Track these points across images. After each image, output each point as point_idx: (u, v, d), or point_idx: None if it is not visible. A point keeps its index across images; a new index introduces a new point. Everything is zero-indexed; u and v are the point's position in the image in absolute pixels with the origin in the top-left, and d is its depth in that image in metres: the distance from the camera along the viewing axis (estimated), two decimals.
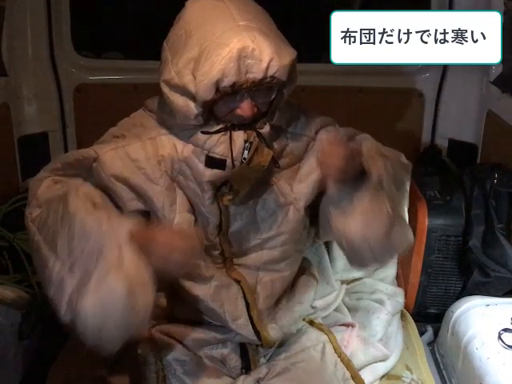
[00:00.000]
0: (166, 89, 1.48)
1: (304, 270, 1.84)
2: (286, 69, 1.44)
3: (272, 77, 1.43)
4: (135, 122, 1.64)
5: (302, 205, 1.65)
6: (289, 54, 1.46)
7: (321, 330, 1.83)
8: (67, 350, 1.96)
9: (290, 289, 1.78)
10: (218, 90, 1.41)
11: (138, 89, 2.66)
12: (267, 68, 1.41)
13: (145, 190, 1.55)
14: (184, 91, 1.44)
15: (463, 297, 2.16)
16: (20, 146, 2.59)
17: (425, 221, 2.17)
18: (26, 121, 2.60)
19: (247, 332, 1.65)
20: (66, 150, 2.72)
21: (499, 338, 1.86)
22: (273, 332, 1.67)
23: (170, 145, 1.57)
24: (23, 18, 2.48)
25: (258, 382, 1.66)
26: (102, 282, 1.29)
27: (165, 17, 3.47)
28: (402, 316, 2.15)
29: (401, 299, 2.14)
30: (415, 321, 2.21)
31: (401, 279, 2.26)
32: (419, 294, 2.22)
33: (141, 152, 1.56)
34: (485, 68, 2.47)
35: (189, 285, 1.63)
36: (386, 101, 2.67)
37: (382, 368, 1.85)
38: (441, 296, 2.25)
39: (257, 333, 1.65)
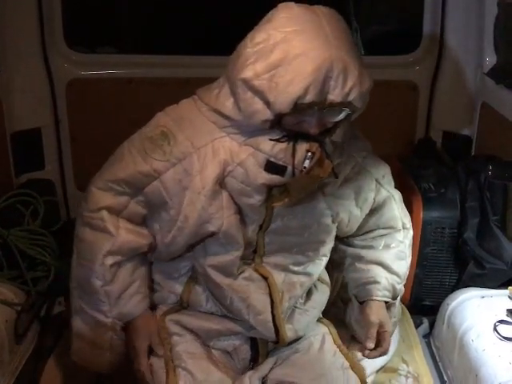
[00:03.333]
0: (241, 87, 1.45)
1: (319, 276, 1.86)
2: (364, 96, 1.46)
3: (349, 102, 1.43)
4: (184, 115, 1.61)
5: (336, 218, 1.71)
6: (368, 82, 1.46)
7: (321, 322, 1.85)
8: (62, 346, 1.95)
9: (306, 293, 1.80)
10: (295, 104, 1.41)
11: (132, 83, 2.65)
12: (348, 93, 1.41)
13: (195, 203, 1.57)
14: (261, 96, 1.43)
15: (458, 289, 2.17)
16: (13, 141, 2.57)
17: (420, 213, 2.17)
18: (19, 116, 2.58)
19: (267, 329, 1.66)
20: (60, 146, 2.71)
21: (495, 329, 1.87)
22: (289, 332, 1.70)
23: (224, 148, 1.55)
24: (15, 13, 2.46)
25: (263, 378, 1.68)
26: None
27: (158, 10, 3.46)
28: None
29: None
30: (411, 313, 2.22)
31: None
32: (415, 286, 2.23)
33: (196, 165, 1.56)
34: (479, 60, 2.47)
35: (215, 274, 1.64)
36: (380, 93, 2.64)
37: (378, 361, 1.85)
38: (436, 288, 2.26)
39: (275, 331, 1.66)
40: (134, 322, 1.67)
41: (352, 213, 1.74)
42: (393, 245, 1.84)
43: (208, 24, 3.19)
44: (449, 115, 2.67)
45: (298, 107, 1.41)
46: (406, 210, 1.89)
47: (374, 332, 1.72)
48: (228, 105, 1.51)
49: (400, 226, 1.84)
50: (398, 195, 1.85)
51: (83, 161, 2.72)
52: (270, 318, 1.65)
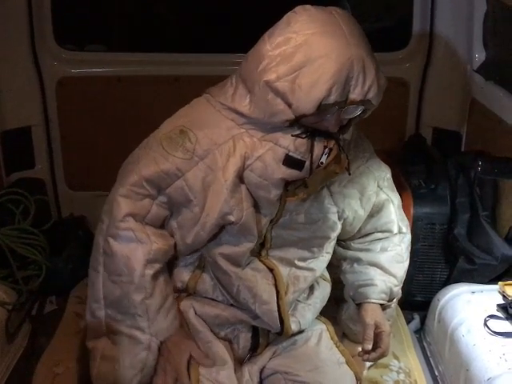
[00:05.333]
0: (264, 89, 1.47)
1: (321, 273, 1.87)
2: (380, 93, 1.49)
3: (368, 100, 1.47)
4: (200, 114, 1.62)
5: (342, 215, 1.73)
6: (383, 78, 1.50)
7: (318, 319, 1.86)
8: (54, 345, 1.95)
9: (308, 288, 1.81)
10: (318, 105, 1.43)
11: (121, 81, 2.64)
12: (367, 91, 1.45)
13: (218, 196, 1.57)
14: (283, 97, 1.45)
15: (449, 284, 2.19)
16: (3, 140, 2.56)
17: (410, 209, 2.18)
18: (8, 115, 2.56)
19: (272, 319, 1.67)
20: (50, 145, 2.69)
21: (485, 324, 1.88)
22: (293, 325, 1.72)
23: (244, 143, 1.56)
24: (4, 11, 2.44)
25: (261, 369, 1.71)
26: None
27: (148, 8, 3.45)
28: None
29: None
30: (402, 309, 2.23)
31: None
32: (405, 282, 2.22)
33: (219, 161, 1.56)
34: (468, 56, 2.48)
35: (224, 263, 1.64)
36: None
37: None
38: (427, 284, 2.27)
39: (280, 322, 1.67)
40: (172, 338, 1.64)
41: (357, 212, 1.77)
42: (389, 248, 1.85)
43: (197, 22, 3.18)
44: (439, 112, 2.67)
45: (321, 108, 1.44)
46: (404, 215, 1.90)
47: (370, 333, 1.73)
48: (245, 104, 1.54)
49: (396, 230, 1.86)
50: (397, 200, 1.87)
51: (74, 159, 2.70)
52: (275, 308, 1.67)
